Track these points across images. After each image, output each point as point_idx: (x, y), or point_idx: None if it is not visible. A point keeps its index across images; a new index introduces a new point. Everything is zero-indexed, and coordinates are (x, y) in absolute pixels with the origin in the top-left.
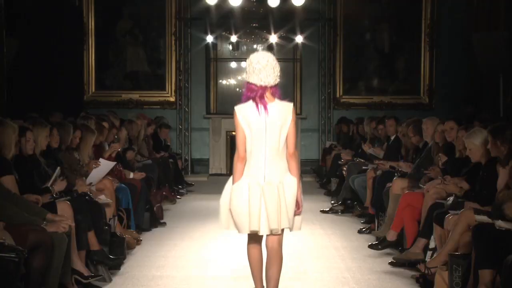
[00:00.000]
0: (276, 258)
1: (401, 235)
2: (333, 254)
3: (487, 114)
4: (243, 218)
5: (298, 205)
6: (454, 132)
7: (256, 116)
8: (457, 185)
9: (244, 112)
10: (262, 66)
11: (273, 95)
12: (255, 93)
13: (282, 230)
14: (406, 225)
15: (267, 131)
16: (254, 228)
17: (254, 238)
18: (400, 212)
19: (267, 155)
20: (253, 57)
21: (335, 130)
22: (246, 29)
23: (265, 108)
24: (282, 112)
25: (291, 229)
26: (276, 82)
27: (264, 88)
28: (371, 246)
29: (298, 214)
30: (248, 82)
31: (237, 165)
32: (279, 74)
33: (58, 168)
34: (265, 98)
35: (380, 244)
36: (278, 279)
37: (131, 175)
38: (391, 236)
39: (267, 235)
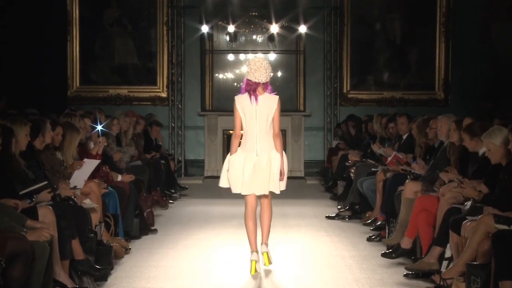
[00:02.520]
0: (267, 207)
1: (414, 243)
2: (340, 263)
3: (507, 111)
4: (238, 182)
5: (281, 173)
6: None
7: (249, 105)
8: (475, 189)
9: (241, 101)
10: (257, 67)
11: (264, 89)
12: (250, 87)
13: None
14: (421, 231)
15: (257, 116)
16: (246, 191)
17: (249, 209)
18: (414, 217)
19: (257, 134)
20: (251, 60)
21: (342, 128)
22: (245, 18)
23: (256, 99)
24: (268, 103)
25: (276, 191)
26: (267, 80)
27: (257, 84)
28: (384, 255)
29: (282, 180)
30: (247, 79)
31: (233, 141)
32: (271, 74)
33: (46, 182)
34: (257, 92)
35: (394, 253)
36: (270, 223)
37: (119, 178)
38: (406, 243)
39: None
